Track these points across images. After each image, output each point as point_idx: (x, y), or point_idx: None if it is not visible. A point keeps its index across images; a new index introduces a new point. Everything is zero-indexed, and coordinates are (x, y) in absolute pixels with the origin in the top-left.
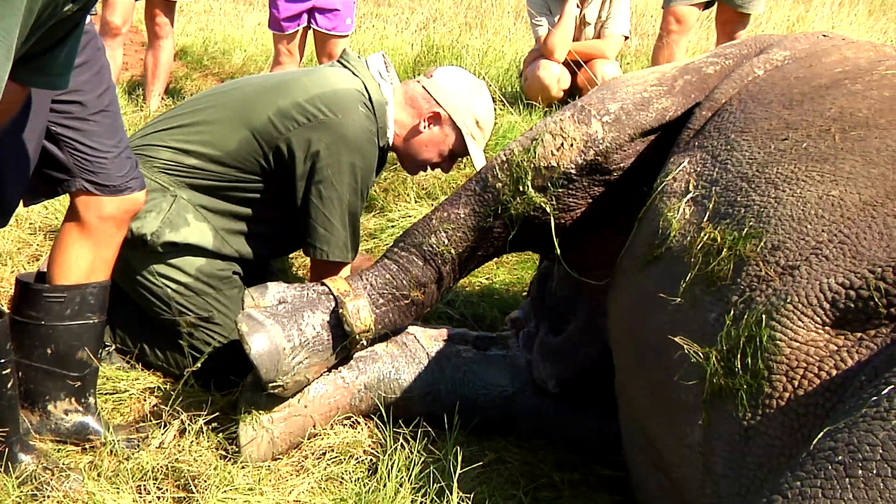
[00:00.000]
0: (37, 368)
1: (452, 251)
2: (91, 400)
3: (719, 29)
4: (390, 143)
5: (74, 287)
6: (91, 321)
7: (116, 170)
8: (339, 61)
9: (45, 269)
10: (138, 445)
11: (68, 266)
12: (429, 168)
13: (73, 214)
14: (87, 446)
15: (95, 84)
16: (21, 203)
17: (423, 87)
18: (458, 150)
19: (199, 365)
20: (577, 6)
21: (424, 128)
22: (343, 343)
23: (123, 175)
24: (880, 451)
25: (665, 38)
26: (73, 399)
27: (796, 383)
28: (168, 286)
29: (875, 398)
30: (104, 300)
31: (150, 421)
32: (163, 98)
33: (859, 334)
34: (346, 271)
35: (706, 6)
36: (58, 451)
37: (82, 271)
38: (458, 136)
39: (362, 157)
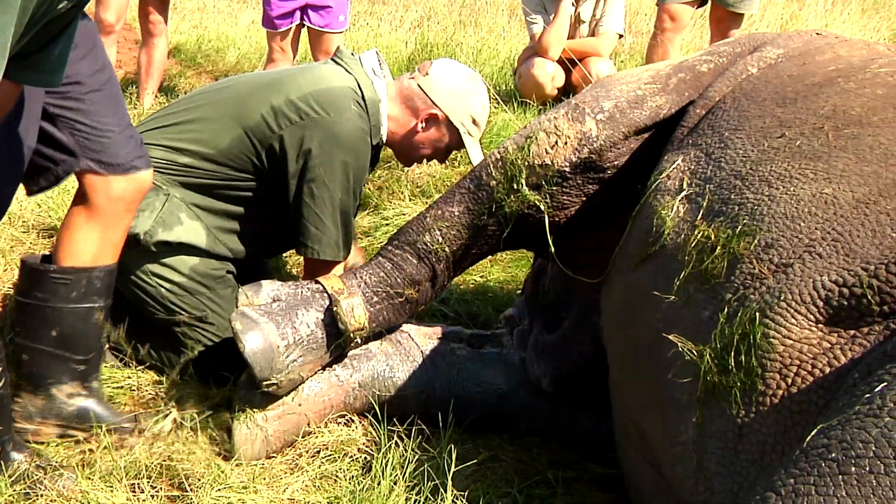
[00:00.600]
0: (41, 351)
1: (447, 249)
2: (95, 384)
3: (713, 27)
4: (384, 141)
5: (81, 269)
6: (97, 304)
7: (120, 147)
8: (332, 59)
9: (51, 252)
10: (131, 433)
11: (76, 248)
12: (424, 161)
13: (81, 198)
14: (81, 438)
15: (90, 62)
16: (25, 192)
17: (419, 86)
18: (455, 146)
19: (185, 359)
20: (572, 4)
21: (422, 129)
22: (337, 341)
23: (128, 153)
24: (873, 448)
25: (659, 36)
26: (77, 383)
27: (790, 381)
28: (162, 285)
29: (868, 395)
30: (110, 284)
31: (144, 419)
32: (156, 96)
33: (852, 332)
34: (339, 269)
35: (700, 4)
36: (53, 449)
37: (90, 254)
38: (455, 133)
39: (355, 155)
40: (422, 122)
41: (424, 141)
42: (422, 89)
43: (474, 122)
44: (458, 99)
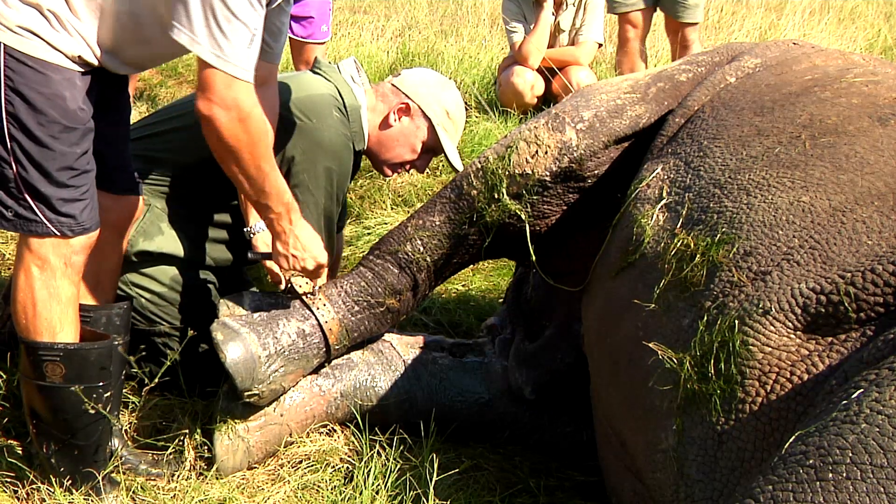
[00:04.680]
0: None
1: (428, 259)
2: (115, 423)
3: (671, 38)
4: (366, 147)
5: (101, 307)
6: (117, 342)
7: (119, 171)
8: (311, 69)
9: None
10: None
11: None
12: (403, 169)
13: None
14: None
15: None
16: None
17: (391, 84)
18: (431, 144)
19: (165, 370)
20: (552, 13)
21: (395, 121)
22: (318, 351)
23: (123, 178)
24: (850, 454)
25: (625, 46)
26: None
27: (769, 388)
28: (142, 295)
29: (845, 402)
30: (129, 320)
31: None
32: (134, 103)
33: (830, 339)
34: (322, 277)
35: (654, 4)
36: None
37: (89, 283)
38: (430, 128)
39: (338, 161)
40: (394, 114)
41: (399, 136)
42: (394, 86)
43: (448, 115)
44: (430, 89)
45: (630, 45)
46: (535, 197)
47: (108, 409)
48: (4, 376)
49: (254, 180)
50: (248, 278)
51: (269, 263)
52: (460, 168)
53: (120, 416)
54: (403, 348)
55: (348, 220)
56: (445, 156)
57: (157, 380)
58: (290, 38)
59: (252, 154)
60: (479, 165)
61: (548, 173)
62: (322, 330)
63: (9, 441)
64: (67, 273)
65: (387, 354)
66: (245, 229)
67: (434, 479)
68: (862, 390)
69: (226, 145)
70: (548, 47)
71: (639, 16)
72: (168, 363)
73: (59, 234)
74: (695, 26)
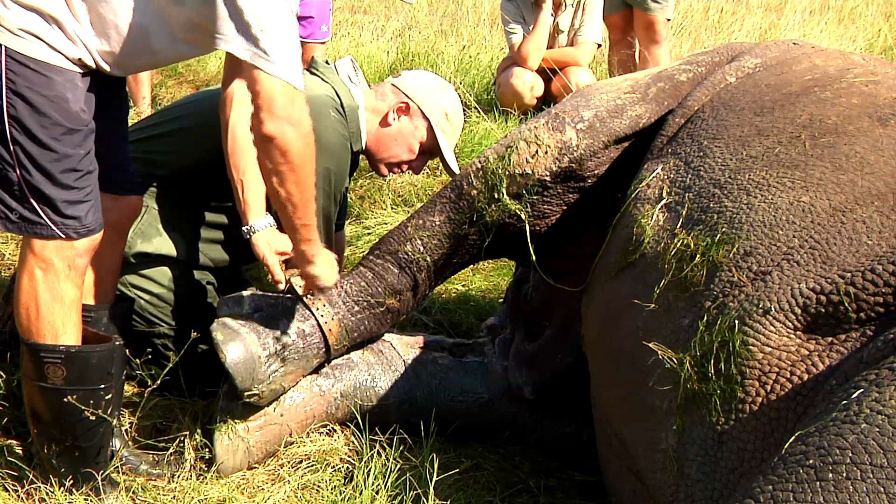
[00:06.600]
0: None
1: (428, 259)
2: (115, 423)
3: (640, 35)
4: (364, 147)
5: (100, 307)
6: (118, 342)
7: (114, 171)
8: (308, 69)
9: None
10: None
11: None
12: (399, 169)
13: None
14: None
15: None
16: None
17: (392, 84)
18: (429, 146)
19: (165, 371)
20: (551, 14)
21: (394, 119)
22: (318, 351)
23: (121, 178)
24: (850, 454)
25: (617, 47)
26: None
27: (769, 388)
28: (141, 297)
29: (845, 402)
30: (130, 321)
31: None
32: (142, 100)
33: (830, 339)
34: None
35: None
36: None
37: (89, 285)
38: (428, 129)
39: (336, 161)
40: (393, 112)
41: (397, 135)
42: (393, 86)
43: (447, 117)
44: (429, 91)
45: (620, 46)
46: (535, 197)
47: (108, 411)
48: (4, 376)
49: (305, 200)
50: (248, 278)
51: (269, 262)
52: (457, 171)
53: (121, 416)
54: (403, 348)
55: (348, 220)
56: (442, 158)
57: (158, 381)
58: None
59: (310, 171)
60: (480, 165)
61: (548, 173)
62: (322, 330)
63: (9, 441)
64: (71, 276)
65: (387, 354)
66: (244, 228)
67: (434, 479)
68: (862, 390)
69: (292, 164)
70: (547, 48)
71: (621, 17)
72: (170, 365)
73: (63, 236)
74: (660, 22)
